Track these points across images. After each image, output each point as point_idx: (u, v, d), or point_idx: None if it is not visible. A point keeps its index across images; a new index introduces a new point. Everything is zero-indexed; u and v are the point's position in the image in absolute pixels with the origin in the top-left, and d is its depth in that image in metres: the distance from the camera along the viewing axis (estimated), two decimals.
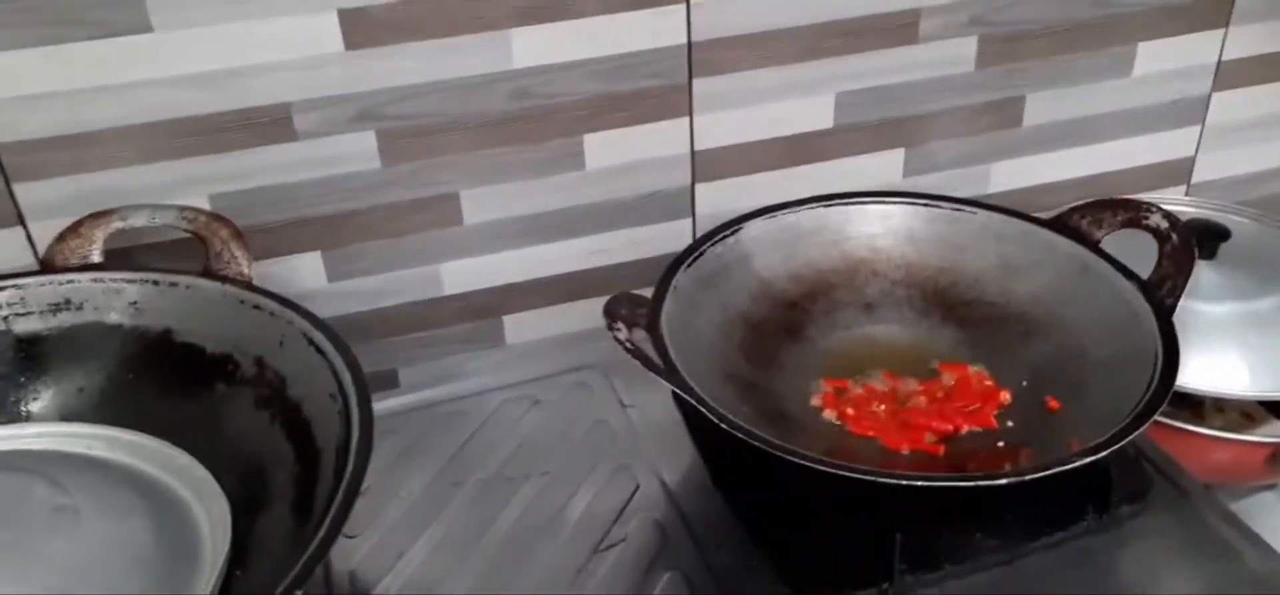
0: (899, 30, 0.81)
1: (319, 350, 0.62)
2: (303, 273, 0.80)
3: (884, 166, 0.87)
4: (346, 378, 0.60)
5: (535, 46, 0.74)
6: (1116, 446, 0.55)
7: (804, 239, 0.77)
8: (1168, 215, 0.67)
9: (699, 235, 0.81)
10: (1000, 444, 0.65)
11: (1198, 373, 0.74)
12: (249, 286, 0.67)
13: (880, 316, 0.76)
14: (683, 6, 0.76)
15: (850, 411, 0.68)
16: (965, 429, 0.66)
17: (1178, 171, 0.95)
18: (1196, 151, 0.95)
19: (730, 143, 0.83)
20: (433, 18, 0.72)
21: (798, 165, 0.85)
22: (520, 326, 0.87)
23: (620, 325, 0.63)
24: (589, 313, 0.86)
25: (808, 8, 0.78)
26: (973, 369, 0.70)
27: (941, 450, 0.65)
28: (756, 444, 0.57)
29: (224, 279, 0.68)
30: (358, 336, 0.82)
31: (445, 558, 0.66)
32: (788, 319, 0.74)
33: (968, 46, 0.83)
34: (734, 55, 0.79)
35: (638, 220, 0.84)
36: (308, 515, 0.57)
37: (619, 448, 0.73)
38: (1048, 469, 0.54)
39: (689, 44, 0.77)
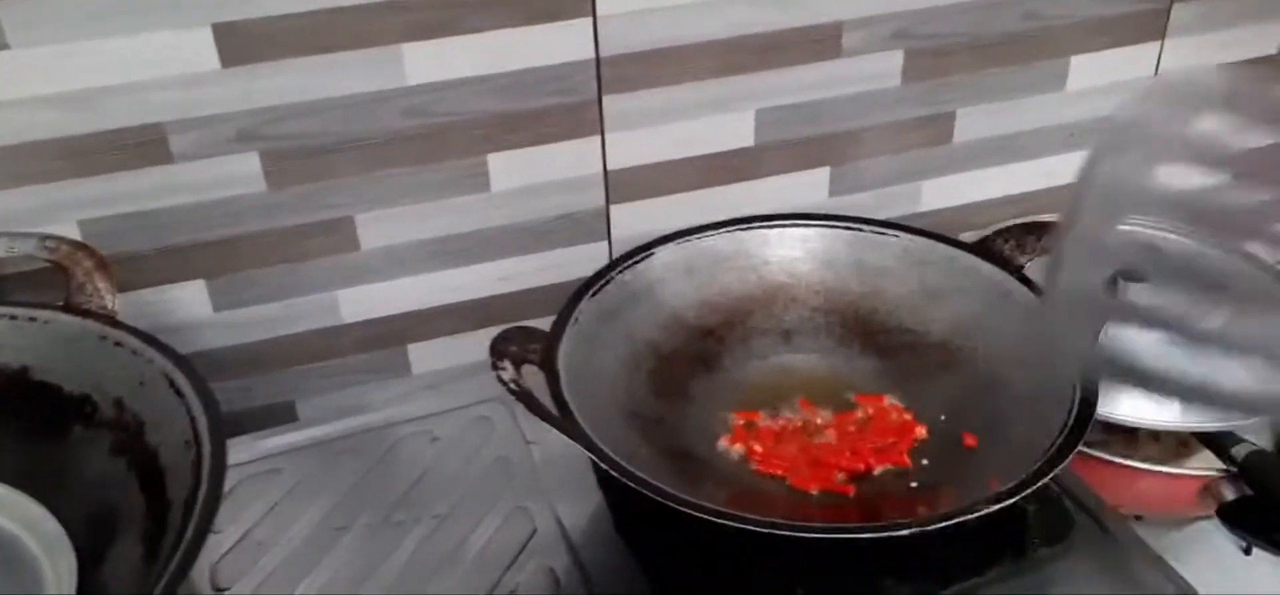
0: (821, 44, 0.77)
1: (178, 393, 0.58)
2: (186, 303, 0.75)
3: (809, 186, 0.83)
4: (202, 423, 0.55)
5: (428, 63, 0.70)
6: (1026, 492, 0.51)
7: (720, 264, 0.73)
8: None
9: (615, 259, 0.77)
10: (913, 484, 0.61)
11: (1130, 403, 0.70)
12: (112, 321, 0.62)
13: (798, 345, 0.72)
14: (588, 20, 0.72)
15: (758, 449, 0.64)
16: (878, 468, 0.62)
17: None
18: None
19: (646, 162, 0.79)
20: (316, 32, 0.67)
21: (719, 185, 0.81)
22: (427, 355, 0.82)
23: (506, 364, 0.58)
24: None
25: (723, 21, 0.74)
26: (889, 401, 0.66)
27: (851, 491, 0.61)
28: (647, 492, 0.53)
29: (86, 313, 0.63)
30: (251, 369, 0.78)
31: None
32: (701, 349, 0.70)
33: (893, 61, 0.79)
34: (646, 71, 0.75)
35: (550, 244, 0.80)
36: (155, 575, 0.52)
37: (518, 487, 0.69)
38: (952, 519, 0.50)
39: (597, 59, 0.73)
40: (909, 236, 0.71)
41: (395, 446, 0.73)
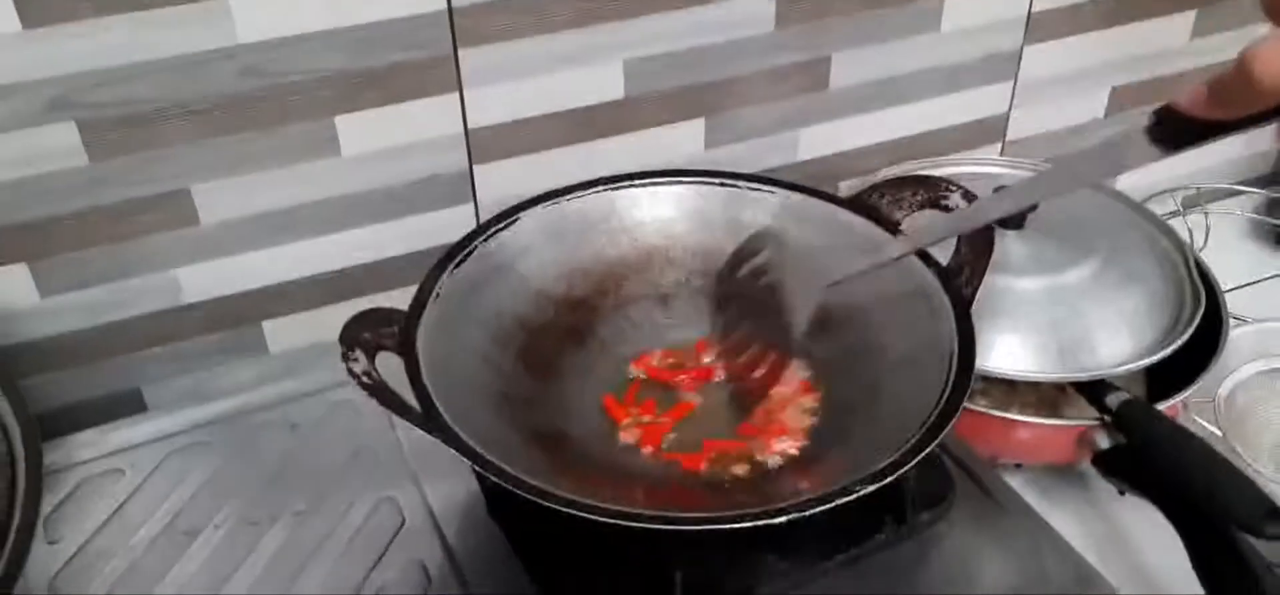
0: None
1: None
2: (7, 290, 0.68)
3: (684, 138, 0.80)
4: (17, 437, 0.50)
5: (262, 18, 0.64)
6: (904, 470, 0.49)
7: (590, 228, 0.69)
8: (967, 194, 0.62)
9: (476, 228, 0.73)
10: (796, 451, 0.59)
11: (1006, 353, 0.70)
12: None
13: (676, 310, 0.68)
14: None
15: (639, 426, 0.61)
16: (760, 436, 0.60)
17: (992, 129, 0.91)
18: (1010, 107, 0.91)
19: (511, 119, 0.74)
20: None
21: (589, 140, 0.77)
22: (283, 333, 0.77)
23: (359, 354, 0.54)
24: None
25: None
26: (774, 363, 0.64)
27: (737, 459, 0.58)
28: (511, 487, 0.50)
29: None
30: (88, 357, 0.72)
31: None
32: (573, 321, 0.67)
33: (766, 5, 0.76)
34: (504, 22, 0.70)
35: (412, 209, 0.75)
36: None
37: (383, 476, 0.65)
38: (829, 501, 0.48)
39: (450, 10, 0.68)
40: (785, 192, 0.68)
41: (250, 437, 0.69)
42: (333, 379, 0.72)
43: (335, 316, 0.75)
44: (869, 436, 0.56)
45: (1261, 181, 1.07)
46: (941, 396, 0.53)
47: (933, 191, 0.64)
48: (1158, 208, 0.96)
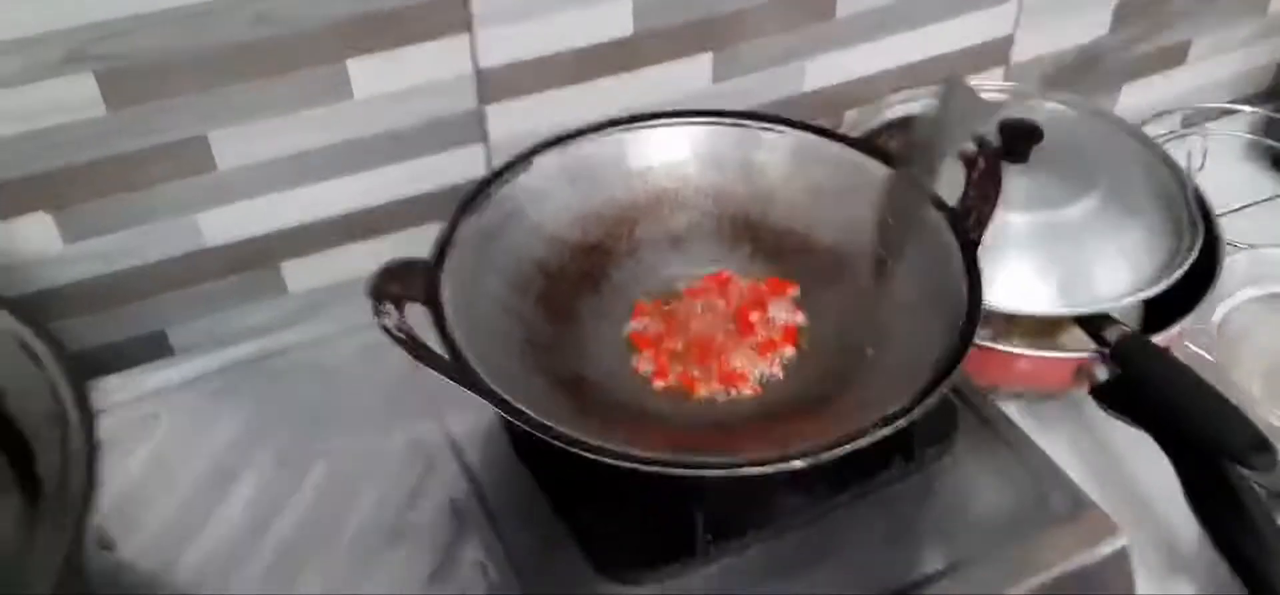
0: None
1: (35, 359, 0.53)
2: (32, 237, 0.69)
3: (691, 73, 0.81)
4: (68, 399, 0.51)
5: None
6: (914, 414, 0.51)
7: (603, 170, 0.70)
8: (975, 136, 0.63)
9: (492, 165, 0.74)
10: (812, 392, 0.61)
11: (1007, 288, 0.72)
12: None
13: (688, 252, 0.70)
14: None
15: (655, 361, 0.64)
16: (774, 368, 0.62)
17: (996, 52, 0.92)
18: (1015, 29, 0.91)
19: (520, 58, 0.74)
20: None
21: (598, 78, 0.78)
22: (302, 272, 0.78)
23: (389, 307, 0.55)
24: (376, 252, 0.79)
25: None
26: (786, 291, 0.67)
27: (754, 390, 0.61)
28: (543, 436, 0.52)
29: None
30: (113, 301, 0.74)
31: (217, 566, 0.60)
32: (588, 264, 0.68)
33: None
34: None
35: (421, 150, 0.76)
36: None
37: (412, 417, 0.67)
38: (843, 444, 0.50)
39: None
40: (797, 133, 0.69)
41: (278, 382, 0.70)
42: (355, 319, 0.73)
43: (351, 256, 0.78)
44: (880, 377, 0.59)
45: (1260, 97, 1.08)
46: (950, 340, 0.55)
47: None
48: (1159, 127, 0.98)
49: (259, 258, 0.76)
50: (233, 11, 0.65)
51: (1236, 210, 0.97)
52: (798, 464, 0.50)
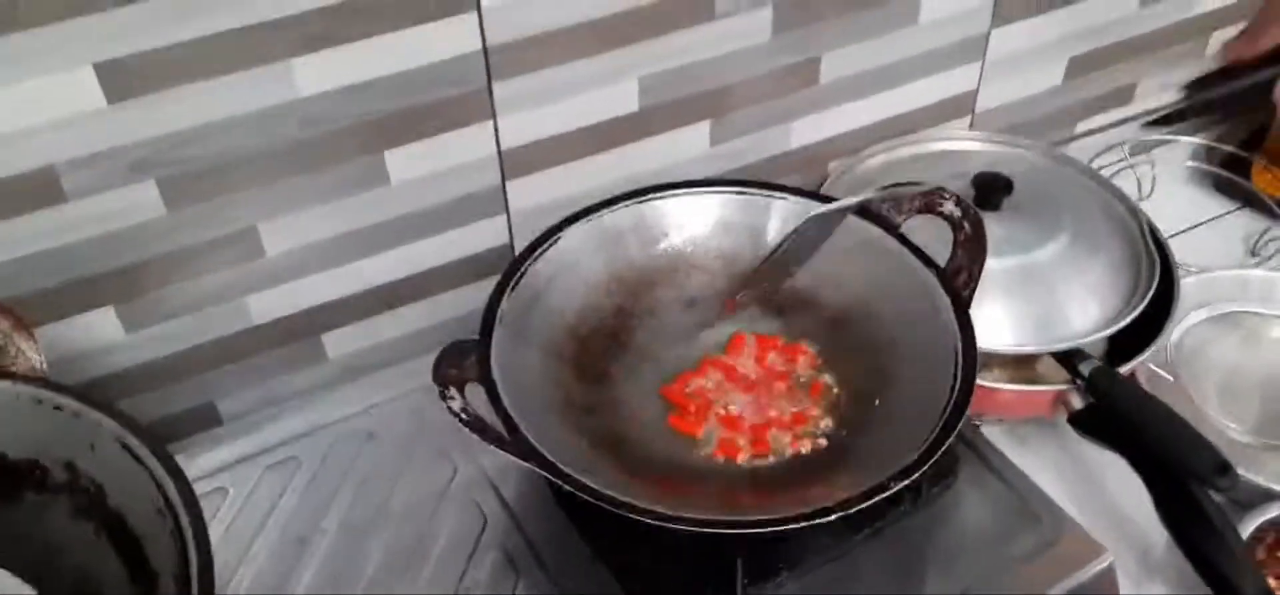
0: (696, 9, 0.80)
1: (135, 457, 0.58)
2: (97, 329, 0.74)
3: (691, 139, 0.88)
4: (171, 488, 0.57)
5: (319, 74, 0.70)
6: (926, 467, 0.58)
7: (623, 237, 0.76)
8: (960, 202, 0.71)
9: (513, 233, 0.81)
10: (825, 443, 0.68)
11: (988, 326, 0.78)
12: (45, 383, 0.62)
13: (702, 312, 0.77)
14: (474, 14, 0.72)
15: (688, 422, 0.70)
16: (791, 428, 0.69)
17: (963, 104, 1.00)
18: (979, 84, 0.99)
19: (537, 138, 0.81)
20: (201, 59, 0.66)
21: (608, 149, 0.84)
22: (341, 341, 0.84)
23: (453, 392, 0.62)
24: (406, 317, 0.85)
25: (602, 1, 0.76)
26: (801, 353, 0.73)
27: (778, 455, 0.68)
28: (598, 503, 0.58)
29: (12, 376, 0.62)
30: (166, 379, 0.79)
31: None
32: (614, 326, 0.75)
33: (763, 17, 0.83)
34: (533, 55, 0.76)
35: (449, 225, 0.82)
36: None
37: (462, 477, 0.73)
38: (868, 498, 0.57)
39: (484, 49, 0.74)
40: (795, 199, 0.77)
41: (331, 451, 0.76)
42: (399, 385, 0.80)
43: (384, 323, 0.84)
44: (889, 427, 0.66)
45: (1195, 119, 1.17)
46: (951, 392, 0.63)
47: (928, 198, 0.73)
48: (1110, 159, 1.07)
49: (302, 331, 0.82)
50: (283, 116, 0.71)
51: (1183, 232, 1.06)
52: (831, 519, 0.57)
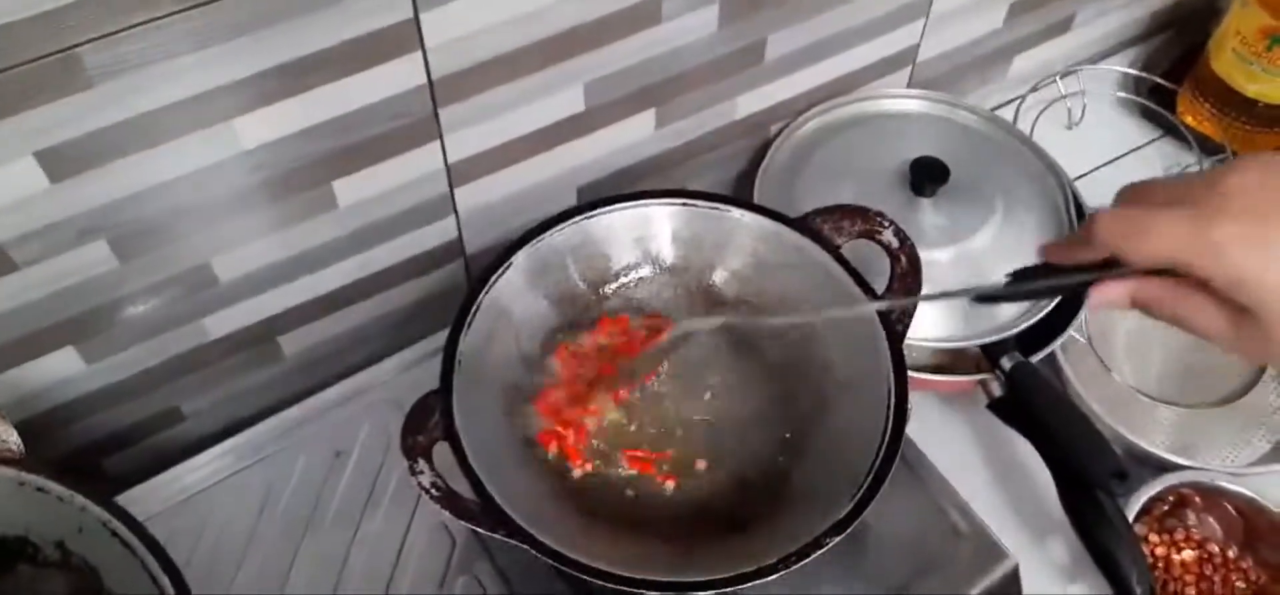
0: (641, 18, 0.79)
1: (125, 544, 0.62)
2: (57, 366, 0.76)
3: (637, 127, 0.88)
4: (166, 583, 0.61)
5: (263, 128, 0.69)
6: (861, 516, 0.64)
7: (570, 254, 0.78)
8: (898, 232, 0.74)
9: (463, 230, 0.85)
10: (771, 463, 0.73)
11: (920, 316, 0.83)
12: (24, 465, 0.64)
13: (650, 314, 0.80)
14: (417, 52, 0.71)
15: (629, 453, 0.74)
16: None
17: (905, 58, 1.01)
18: (921, 39, 1.00)
19: (484, 149, 0.81)
20: (140, 132, 0.65)
21: (554, 147, 0.85)
22: (294, 341, 0.87)
23: (422, 463, 0.65)
24: (363, 312, 0.88)
25: (547, 23, 0.75)
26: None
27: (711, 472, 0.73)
28: (569, 571, 0.63)
29: None
30: (130, 397, 0.82)
31: None
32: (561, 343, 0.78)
33: (710, 13, 0.83)
34: (478, 79, 0.76)
35: (400, 232, 0.83)
36: None
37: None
38: (807, 554, 0.63)
39: (429, 82, 0.74)
40: (741, 212, 0.78)
41: (301, 470, 0.81)
42: (354, 383, 0.84)
43: (336, 321, 0.86)
44: (826, 455, 0.71)
45: (1131, 42, 1.20)
46: (884, 432, 0.67)
47: (868, 224, 0.76)
48: (1047, 90, 1.10)
49: (258, 338, 0.84)
50: (228, 168, 0.70)
51: (1109, 162, 1.11)
52: (774, 576, 0.63)
